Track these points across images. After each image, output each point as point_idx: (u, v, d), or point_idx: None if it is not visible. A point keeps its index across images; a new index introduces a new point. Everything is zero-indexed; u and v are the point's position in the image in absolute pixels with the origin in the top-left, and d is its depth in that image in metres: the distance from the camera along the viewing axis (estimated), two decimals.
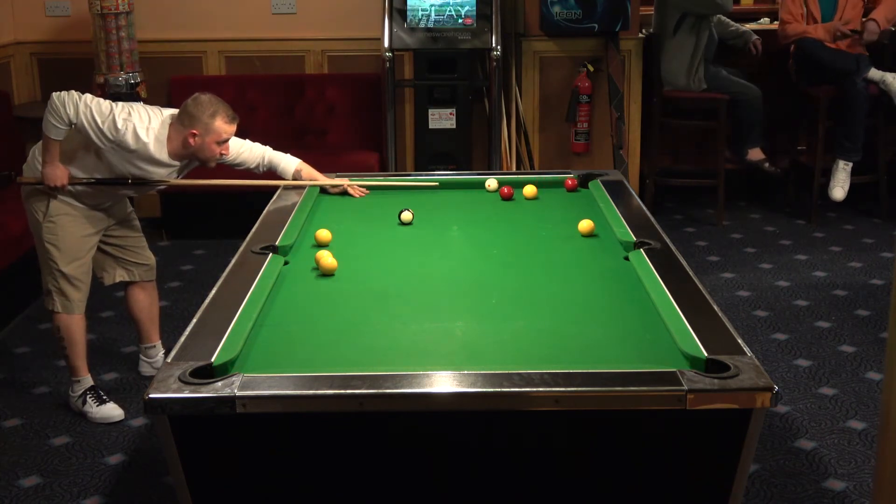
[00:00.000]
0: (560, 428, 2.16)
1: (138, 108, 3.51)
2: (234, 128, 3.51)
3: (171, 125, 3.49)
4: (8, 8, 6.00)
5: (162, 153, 3.49)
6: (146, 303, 4.04)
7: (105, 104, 3.44)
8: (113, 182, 3.61)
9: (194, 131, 3.43)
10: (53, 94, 3.42)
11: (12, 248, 4.57)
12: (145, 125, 3.44)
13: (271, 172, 3.89)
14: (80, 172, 3.58)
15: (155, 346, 4.10)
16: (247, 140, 3.84)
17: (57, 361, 4.12)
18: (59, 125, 3.41)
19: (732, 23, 6.12)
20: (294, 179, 3.86)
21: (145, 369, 4.11)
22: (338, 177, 3.96)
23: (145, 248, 4.02)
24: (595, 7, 5.56)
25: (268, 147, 3.88)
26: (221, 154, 3.52)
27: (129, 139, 3.42)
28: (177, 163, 3.57)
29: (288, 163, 3.86)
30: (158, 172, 3.57)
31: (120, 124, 3.41)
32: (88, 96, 3.43)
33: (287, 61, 6.19)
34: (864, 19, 5.80)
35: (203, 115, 3.42)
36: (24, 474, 3.38)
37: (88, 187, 3.61)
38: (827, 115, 5.84)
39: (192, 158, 3.56)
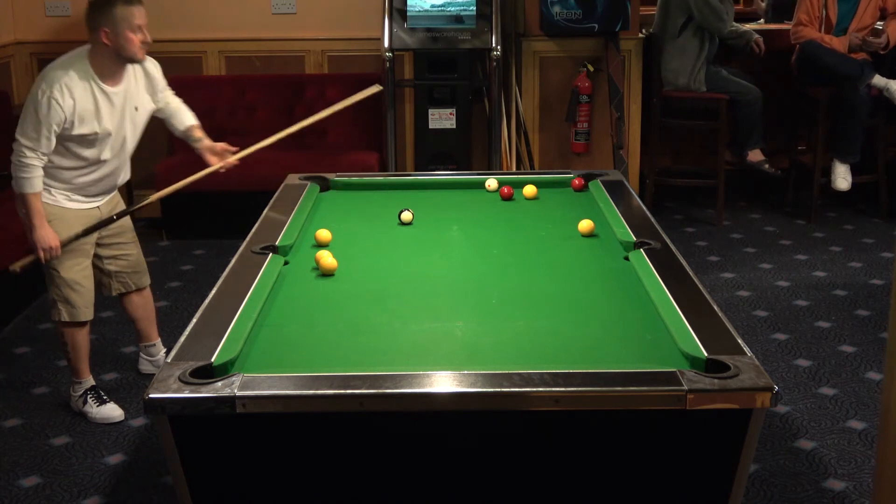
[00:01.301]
0: (560, 428, 2.16)
1: (49, 72, 3.45)
2: (140, 9, 3.48)
3: (88, 50, 3.48)
4: (8, 8, 6.00)
5: (91, 82, 3.45)
6: (141, 303, 4.04)
7: (32, 115, 3.39)
8: (100, 226, 3.66)
9: (105, 29, 3.41)
10: (12, 157, 3.42)
11: (12, 248, 4.56)
12: (60, 76, 3.40)
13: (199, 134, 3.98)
14: (58, 177, 3.55)
15: (155, 345, 4.10)
16: (173, 94, 3.92)
17: (57, 361, 4.12)
18: (32, 174, 3.41)
19: (733, 23, 6.11)
20: (187, 135, 3.92)
21: (146, 367, 4.11)
22: (337, 176, 3.96)
23: (139, 255, 3.98)
24: (595, 7, 5.56)
25: (180, 99, 3.96)
26: (143, 42, 3.48)
27: (64, 104, 3.39)
28: (120, 88, 3.54)
29: (190, 117, 3.95)
30: (116, 112, 3.54)
31: (51, 108, 3.36)
32: (27, 129, 3.39)
33: (287, 61, 6.19)
34: (878, 24, 5.79)
35: (102, 9, 3.41)
36: (24, 474, 3.38)
37: (78, 181, 3.59)
38: (827, 115, 5.84)
39: (121, 61, 3.50)
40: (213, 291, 2.70)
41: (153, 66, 3.76)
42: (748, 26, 6.35)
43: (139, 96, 3.67)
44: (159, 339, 4.12)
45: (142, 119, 3.73)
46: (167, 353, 2.34)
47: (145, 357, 4.12)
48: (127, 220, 3.94)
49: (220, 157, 3.90)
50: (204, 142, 3.92)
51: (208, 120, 6.08)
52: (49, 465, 3.44)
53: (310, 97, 6.10)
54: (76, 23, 5.96)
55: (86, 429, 3.68)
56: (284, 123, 6.05)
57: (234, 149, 3.91)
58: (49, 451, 3.53)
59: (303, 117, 6.07)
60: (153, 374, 3.91)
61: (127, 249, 3.91)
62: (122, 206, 3.92)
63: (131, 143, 3.73)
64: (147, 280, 4.04)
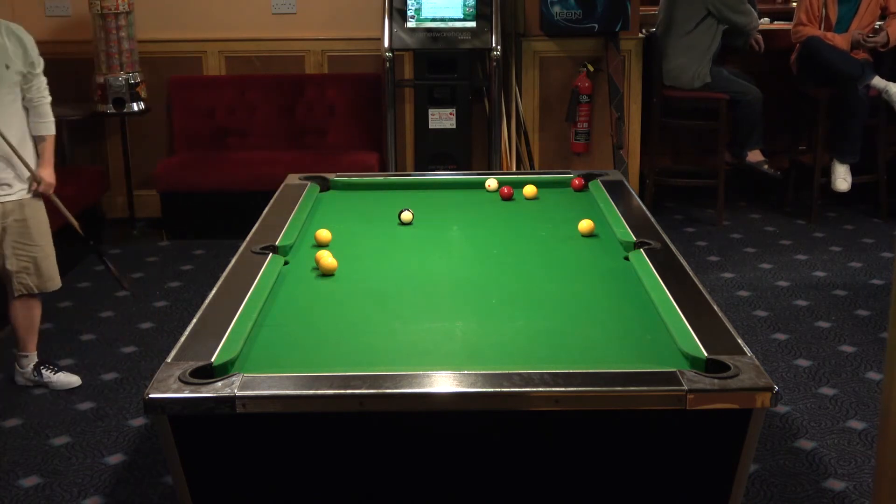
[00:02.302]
0: (560, 428, 2.16)
1: None
2: None
3: None
4: (8, 8, 5.99)
5: None
6: (30, 311, 3.93)
7: None
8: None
9: None
10: None
11: None
12: None
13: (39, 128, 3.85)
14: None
15: (28, 356, 3.96)
16: (44, 89, 3.84)
17: (57, 361, 4.12)
18: None
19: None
20: (36, 143, 3.83)
21: (18, 379, 4.00)
22: (337, 176, 3.96)
23: (45, 259, 3.88)
24: (595, 7, 5.57)
25: (49, 101, 3.86)
26: None
27: None
28: None
29: (42, 126, 3.83)
30: None
31: None
32: None
33: (287, 61, 6.19)
34: (877, 25, 5.79)
35: None
36: (24, 474, 3.38)
37: None
38: (827, 115, 5.84)
39: None
40: (213, 291, 2.70)
41: (27, 35, 3.80)
42: None
43: (10, 57, 3.68)
44: (34, 352, 3.97)
45: (11, 80, 3.70)
46: (167, 353, 2.32)
47: (18, 368, 3.99)
48: (36, 222, 3.84)
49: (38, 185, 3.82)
50: (43, 159, 3.85)
51: (209, 120, 6.12)
52: (49, 465, 3.44)
53: (310, 97, 6.11)
54: (76, 23, 5.98)
55: (86, 429, 3.68)
56: (285, 123, 6.12)
57: (42, 191, 3.84)
58: (49, 451, 3.53)
59: (303, 117, 6.13)
60: (25, 385, 3.94)
61: (29, 251, 3.82)
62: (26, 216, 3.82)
63: (9, 110, 3.70)
64: (53, 285, 3.95)
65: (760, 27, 6.44)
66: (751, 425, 2.09)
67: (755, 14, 5.88)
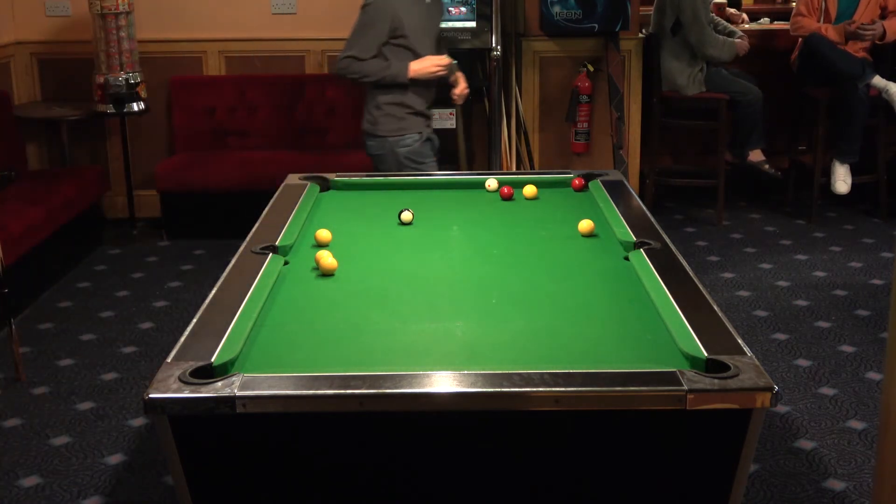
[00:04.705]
0: (560, 428, 2.16)
1: None
2: None
3: None
4: (8, 8, 6.00)
5: None
6: None
7: None
8: None
9: None
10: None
11: (12, 248, 4.57)
12: None
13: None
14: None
15: None
16: None
17: (57, 361, 4.12)
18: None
19: (721, 21, 6.10)
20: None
21: None
22: (337, 176, 3.96)
23: None
24: (595, 7, 5.57)
25: None
26: None
27: None
28: None
29: None
30: None
31: None
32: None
33: (287, 61, 6.19)
34: (876, 21, 5.80)
35: None
36: (24, 474, 3.38)
37: None
38: (827, 115, 5.84)
39: None
40: (214, 291, 2.70)
41: None
42: (746, 26, 6.36)
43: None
44: None
45: None
46: (168, 353, 2.33)
47: None
48: None
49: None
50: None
51: (209, 120, 6.12)
52: (49, 465, 3.44)
53: (310, 97, 6.11)
54: (76, 23, 5.98)
55: (86, 429, 3.68)
56: (284, 123, 6.12)
57: None
58: (49, 451, 3.53)
59: (303, 117, 6.13)
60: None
61: None
62: None
63: None
64: None
65: (761, 27, 6.45)
66: (751, 425, 2.09)
67: (729, 43, 5.79)
